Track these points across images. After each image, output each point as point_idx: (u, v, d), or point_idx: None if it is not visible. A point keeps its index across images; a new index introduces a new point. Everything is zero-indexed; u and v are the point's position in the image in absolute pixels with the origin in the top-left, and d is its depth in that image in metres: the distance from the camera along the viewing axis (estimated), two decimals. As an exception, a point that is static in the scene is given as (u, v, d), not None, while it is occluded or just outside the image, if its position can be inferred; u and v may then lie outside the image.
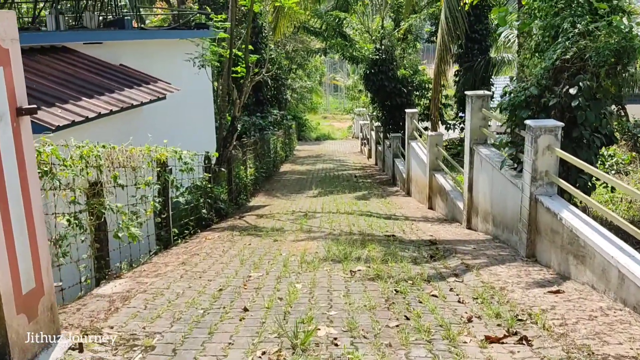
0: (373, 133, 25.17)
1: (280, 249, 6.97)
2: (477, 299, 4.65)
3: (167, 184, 7.50)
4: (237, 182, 13.18)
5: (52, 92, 6.97)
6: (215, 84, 21.39)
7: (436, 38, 21.18)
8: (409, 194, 14.85)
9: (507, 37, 23.28)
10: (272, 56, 30.14)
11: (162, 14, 25.51)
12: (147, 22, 24.89)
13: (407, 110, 14.70)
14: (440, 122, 20.33)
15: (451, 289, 4.98)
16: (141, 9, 18.65)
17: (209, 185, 9.73)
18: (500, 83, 34.44)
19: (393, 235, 7.90)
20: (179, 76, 12.44)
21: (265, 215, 11.19)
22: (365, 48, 18.27)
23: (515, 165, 7.07)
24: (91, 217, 5.17)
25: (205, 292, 4.82)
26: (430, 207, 11.83)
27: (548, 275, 5.44)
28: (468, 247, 6.91)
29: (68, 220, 4.65)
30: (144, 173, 6.61)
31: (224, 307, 4.36)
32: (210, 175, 9.97)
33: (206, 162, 10.04)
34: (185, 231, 8.56)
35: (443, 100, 20.66)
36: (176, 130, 12.62)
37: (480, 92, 8.58)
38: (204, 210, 9.40)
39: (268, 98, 29.15)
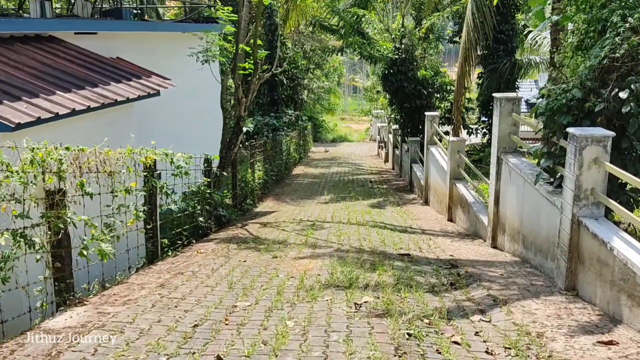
0: (391, 136, 24.21)
1: (278, 268, 6.12)
2: (509, 349, 3.74)
3: (155, 190, 6.69)
4: (243, 187, 12.37)
5: (22, 84, 6.20)
6: (231, 82, 20.72)
7: (460, 37, 20.20)
8: (427, 202, 13.90)
9: (534, 38, 22.20)
10: (289, 55, 29.47)
11: (169, 6, 24.82)
12: (164, 17, 24.32)
13: (426, 114, 13.76)
14: (462, 127, 19.34)
15: (477, 333, 4.07)
16: (149, 2, 17.95)
17: (208, 191, 8.92)
18: (526, 87, 33.24)
19: (408, 255, 6.98)
20: (184, 72, 11.68)
21: (269, 224, 10.35)
22: (384, 47, 17.34)
23: (552, 180, 6.11)
24: (49, 232, 4.36)
25: (177, 328, 3.98)
26: (450, 219, 10.88)
27: (594, 316, 4.48)
28: (495, 273, 5.97)
29: (13, 237, 3.84)
30: (124, 179, 5.81)
31: (194, 354, 3.50)
32: (209, 179, 9.16)
33: (206, 165, 9.24)
34: (179, 242, 7.76)
35: (466, 104, 19.66)
36: (179, 131, 11.88)
37: (511, 94, 7.63)
38: (201, 219, 8.59)
39: (283, 98, 28.39)
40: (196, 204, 8.48)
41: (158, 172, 6.80)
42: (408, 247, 7.61)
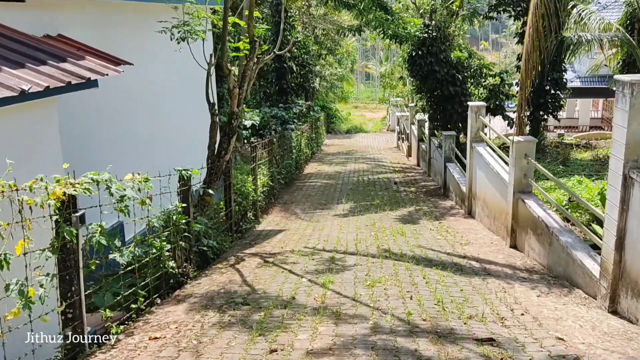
0: (414, 127, 21.38)
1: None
2: None
3: (75, 243, 4.07)
4: (241, 202, 9.71)
5: None
6: (236, 69, 17.84)
7: (505, 10, 17.20)
8: (470, 214, 11.15)
9: (579, 13, 19.19)
10: (299, 39, 26.64)
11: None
12: None
13: (470, 104, 10.96)
14: (502, 117, 16.49)
15: None
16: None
17: (184, 220, 6.28)
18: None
19: (490, 341, 4.29)
20: (161, 54, 9.02)
21: (272, 257, 7.69)
22: (412, 24, 14.51)
23: None
24: None
25: None
26: (514, 246, 8.14)
27: None
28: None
29: None
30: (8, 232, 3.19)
31: None
32: (186, 203, 6.51)
33: (182, 183, 6.58)
34: (133, 305, 5.15)
35: (502, 89, 16.78)
36: (154, 135, 9.25)
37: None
38: (171, 263, 5.96)
39: (293, 86, 25.61)
40: (164, 243, 5.84)
41: (82, 211, 4.16)
42: (481, 316, 4.91)
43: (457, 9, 15.31)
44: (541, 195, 8.02)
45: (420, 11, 15.31)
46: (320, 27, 32.15)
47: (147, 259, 5.53)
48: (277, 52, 8.51)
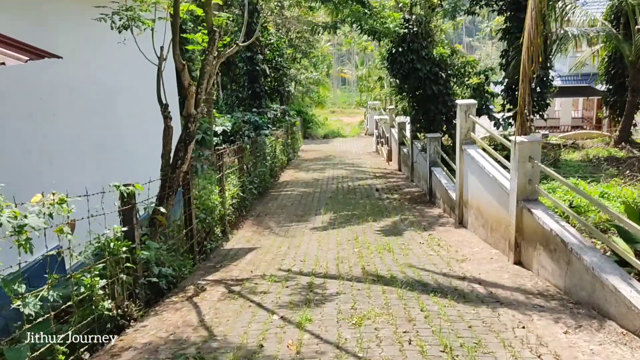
0: (394, 131, 20.37)
1: None
2: None
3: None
4: (204, 218, 8.47)
5: None
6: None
7: (487, 4, 16.30)
8: (461, 223, 10.11)
9: (562, 8, 18.45)
10: (272, 41, 25.46)
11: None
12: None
13: (459, 102, 9.95)
14: (488, 117, 15.56)
15: None
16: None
17: (125, 247, 5.04)
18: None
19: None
20: (114, 49, 7.76)
21: (241, 283, 6.49)
22: (391, 18, 13.47)
23: None
24: None
25: None
26: (519, 262, 7.07)
27: None
28: None
29: None
30: None
31: None
32: (128, 228, 5.28)
33: (123, 202, 5.34)
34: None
35: (485, 88, 15.87)
36: (103, 143, 7.98)
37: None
38: (107, 304, 4.72)
39: (266, 90, 24.39)
40: (96, 279, 4.60)
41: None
42: (504, 367, 3.79)
43: (438, 2, 14.31)
44: (549, 203, 6.99)
45: (400, 5, 14.27)
46: (294, 29, 31.04)
47: (65, 305, 4.29)
48: (240, 44, 7.32)
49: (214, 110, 14.95)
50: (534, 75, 16.64)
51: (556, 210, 6.92)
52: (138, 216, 5.64)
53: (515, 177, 7.02)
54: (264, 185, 14.97)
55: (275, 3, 26.46)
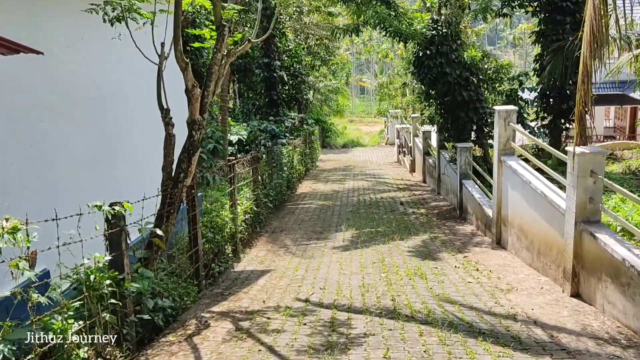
0: (418, 140, 19.36)
1: None
2: None
3: None
4: (212, 237, 7.55)
5: None
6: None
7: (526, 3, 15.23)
8: (499, 243, 9.06)
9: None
10: (290, 47, 24.68)
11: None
12: None
13: (497, 108, 8.95)
14: (522, 125, 14.45)
15: None
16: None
17: (110, 279, 4.14)
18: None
19: None
20: (114, 47, 6.91)
21: (251, 317, 5.54)
22: (418, 19, 12.50)
23: None
24: None
25: None
26: (577, 294, 6.01)
27: None
28: None
29: None
30: None
31: None
32: (116, 255, 4.38)
33: (110, 225, 4.45)
34: None
35: (517, 95, 14.78)
36: (97, 151, 7.10)
37: None
38: (82, 352, 3.81)
39: (284, 98, 23.57)
40: (69, 322, 3.70)
41: None
42: None
43: (469, 1, 13.30)
44: (613, 225, 5.93)
45: (427, 5, 13.30)
46: (313, 36, 30.26)
47: (32, 356, 3.38)
48: (252, 40, 6.42)
49: (229, 119, 14.13)
50: (570, 82, 15.59)
51: (624, 234, 5.85)
52: (128, 240, 4.73)
53: (573, 194, 5.97)
54: (280, 197, 14.05)
55: (294, 9, 25.72)
